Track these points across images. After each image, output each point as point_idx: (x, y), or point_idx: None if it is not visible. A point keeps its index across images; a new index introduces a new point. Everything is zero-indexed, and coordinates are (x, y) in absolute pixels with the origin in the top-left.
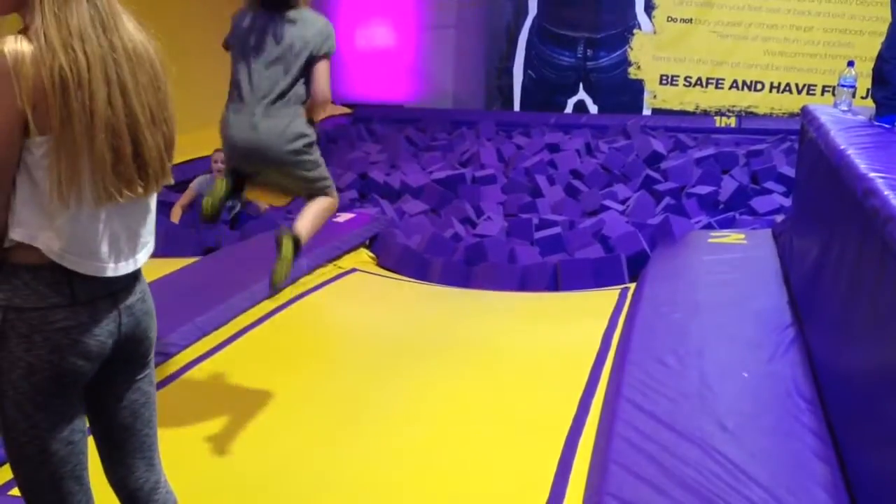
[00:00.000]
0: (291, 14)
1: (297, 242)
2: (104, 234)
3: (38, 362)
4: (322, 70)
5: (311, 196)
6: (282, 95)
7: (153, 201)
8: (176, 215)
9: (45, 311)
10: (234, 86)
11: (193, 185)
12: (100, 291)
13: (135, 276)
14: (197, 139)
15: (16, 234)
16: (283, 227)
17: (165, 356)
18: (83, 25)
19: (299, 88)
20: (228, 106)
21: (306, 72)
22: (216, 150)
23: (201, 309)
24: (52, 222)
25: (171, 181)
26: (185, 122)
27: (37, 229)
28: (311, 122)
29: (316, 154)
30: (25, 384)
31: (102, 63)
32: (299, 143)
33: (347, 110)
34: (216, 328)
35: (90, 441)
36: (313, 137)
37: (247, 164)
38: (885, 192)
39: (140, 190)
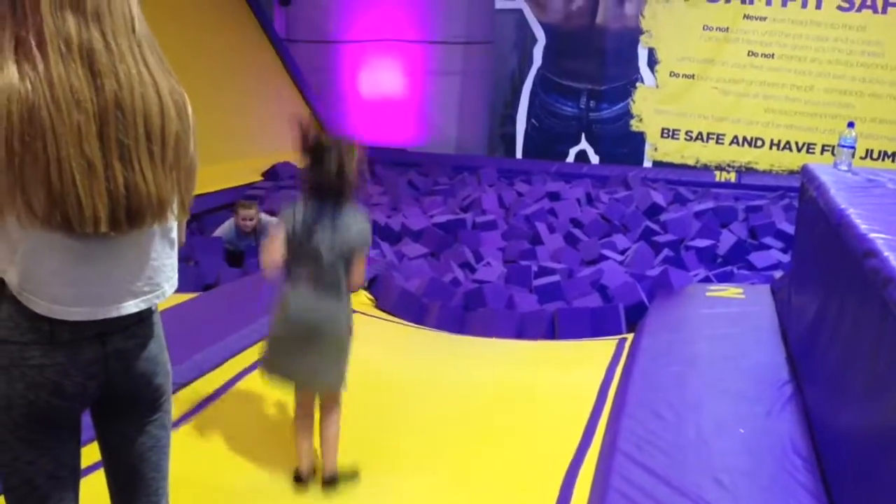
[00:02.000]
0: (343, 209)
1: (336, 478)
2: (64, 275)
3: (16, 396)
4: (360, 262)
5: (328, 396)
6: (335, 282)
7: (145, 247)
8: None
9: (23, 346)
10: (291, 271)
11: (216, 234)
12: (85, 333)
13: (136, 320)
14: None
15: None
16: (327, 484)
17: None
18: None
19: (345, 275)
20: (287, 289)
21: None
22: (241, 206)
23: (199, 346)
24: (13, 256)
25: (146, 229)
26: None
27: (6, 263)
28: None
29: (351, 338)
30: (5, 416)
31: (27, 101)
32: (348, 326)
33: None
34: (213, 368)
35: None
36: (352, 321)
37: (297, 343)
38: (886, 254)
39: (98, 228)
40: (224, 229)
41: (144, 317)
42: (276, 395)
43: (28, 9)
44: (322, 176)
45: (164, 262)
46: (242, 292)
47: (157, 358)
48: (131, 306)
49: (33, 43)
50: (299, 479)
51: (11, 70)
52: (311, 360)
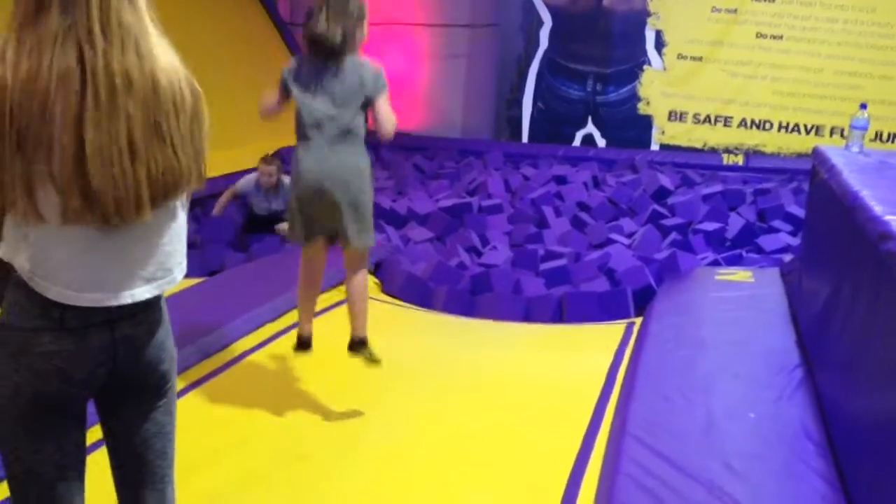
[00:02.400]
0: (343, 62)
1: (365, 343)
2: (76, 260)
3: (23, 384)
4: (381, 107)
5: (354, 254)
6: (347, 132)
7: (155, 233)
8: (219, 209)
9: (31, 333)
10: (303, 126)
11: (238, 185)
12: (94, 319)
13: (144, 306)
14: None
15: (0, 251)
16: (355, 347)
17: None
18: (43, 39)
19: (359, 125)
20: (298, 146)
21: (364, 110)
22: (262, 161)
23: (202, 331)
24: (25, 242)
25: (146, 218)
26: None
27: (14, 248)
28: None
29: (372, 187)
30: (11, 404)
31: (47, 81)
32: (364, 173)
33: None
34: (217, 351)
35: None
36: (370, 170)
37: (320, 200)
38: None
39: (115, 220)
40: (245, 182)
41: (152, 302)
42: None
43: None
44: (315, 28)
45: (176, 247)
46: (248, 278)
47: (164, 344)
48: (144, 292)
49: (83, 31)
50: (301, 345)
51: (69, 53)
52: (331, 216)
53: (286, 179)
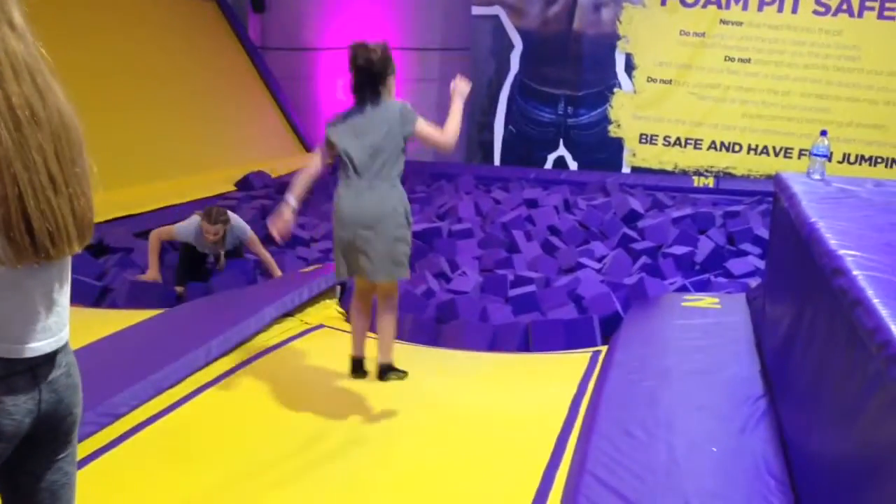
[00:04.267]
0: (377, 104)
1: (391, 369)
2: (9, 310)
3: None
4: (423, 133)
5: (383, 288)
6: (384, 172)
7: (66, 276)
8: (155, 256)
9: None
10: (344, 168)
11: (178, 233)
12: (18, 366)
13: (62, 348)
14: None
15: None
16: (382, 374)
17: (114, 417)
18: None
19: (395, 165)
20: (340, 185)
21: (403, 149)
22: (205, 219)
23: (155, 365)
24: None
25: (74, 252)
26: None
27: None
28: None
29: (410, 224)
30: None
31: None
32: (399, 211)
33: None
34: (171, 386)
35: None
36: (409, 207)
37: (354, 235)
38: (854, 273)
39: (44, 255)
40: (185, 232)
41: (66, 343)
42: (230, 418)
43: None
44: (355, 73)
45: (65, 299)
46: (205, 310)
47: (78, 387)
48: (65, 335)
49: None
50: (356, 368)
51: None
52: (365, 252)
53: (236, 221)
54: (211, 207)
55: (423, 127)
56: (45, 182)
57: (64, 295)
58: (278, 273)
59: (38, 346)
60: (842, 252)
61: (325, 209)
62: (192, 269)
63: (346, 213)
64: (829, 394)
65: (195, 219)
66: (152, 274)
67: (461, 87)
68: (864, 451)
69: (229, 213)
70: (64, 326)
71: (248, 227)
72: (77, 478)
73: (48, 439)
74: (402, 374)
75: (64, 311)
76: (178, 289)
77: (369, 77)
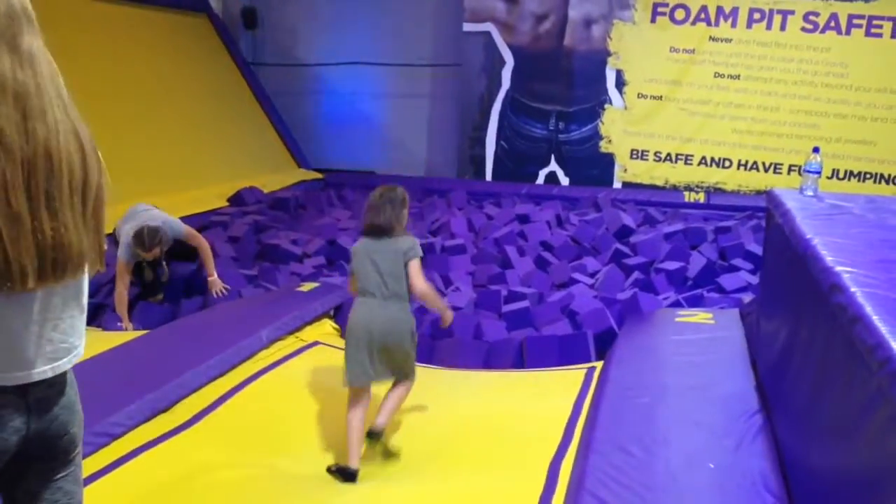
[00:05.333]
0: (392, 239)
1: (380, 435)
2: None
3: None
4: (414, 270)
5: (402, 377)
6: (395, 293)
7: (71, 301)
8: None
9: None
10: (362, 290)
11: (127, 259)
12: (7, 386)
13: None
14: None
15: None
16: (372, 436)
17: (110, 437)
18: None
19: (405, 287)
20: (356, 301)
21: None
22: (139, 248)
23: (151, 386)
24: None
25: (68, 281)
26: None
27: None
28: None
29: (415, 339)
30: None
31: None
32: (407, 326)
33: (318, 176)
34: (167, 407)
35: None
36: (414, 325)
37: (370, 345)
38: (852, 289)
39: (26, 285)
40: (126, 250)
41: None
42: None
43: None
44: (375, 220)
45: (75, 324)
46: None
47: (74, 406)
48: (64, 365)
49: None
50: (347, 476)
51: None
52: (383, 362)
53: (166, 226)
54: (141, 230)
55: (416, 265)
56: (5, 214)
57: (71, 322)
58: (214, 272)
59: (29, 375)
60: (839, 269)
61: (318, 224)
62: (145, 282)
63: (361, 326)
64: (827, 410)
65: (128, 239)
66: (126, 324)
67: (446, 317)
68: (864, 468)
69: (160, 225)
70: (67, 353)
71: (181, 224)
72: (83, 497)
73: (44, 458)
74: (390, 452)
75: (67, 337)
76: (157, 298)
77: (388, 225)
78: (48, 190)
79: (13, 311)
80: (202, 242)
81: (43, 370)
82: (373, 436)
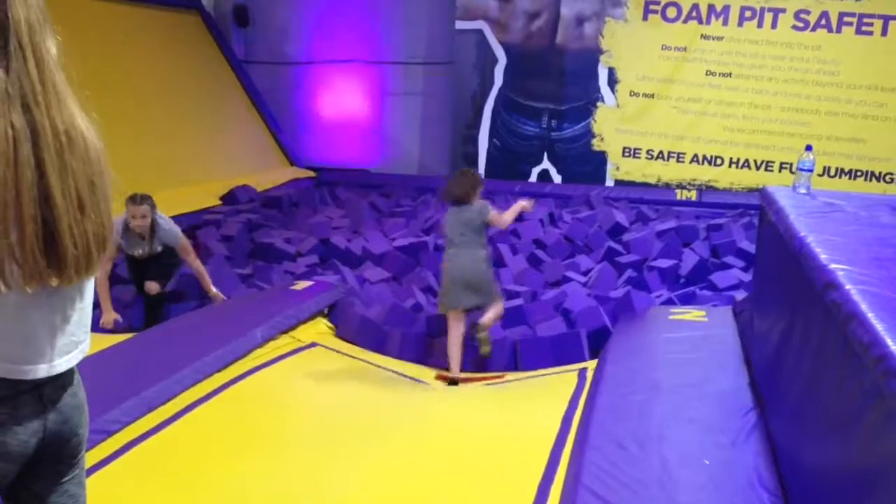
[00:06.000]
0: (468, 205)
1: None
2: (14, 331)
3: None
4: (493, 217)
5: (489, 301)
6: (473, 242)
7: (82, 295)
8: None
9: None
10: (450, 242)
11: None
12: (23, 386)
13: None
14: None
15: None
16: (475, 330)
17: (107, 434)
18: None
19: (480, 238)
20: (448, 253)
21: (485, 229)
22: (129, 201)
23: (147, 382)
24: None
25: (95, 274)
26: None
27: None
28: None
29: (491, 274)
30: None
31: (5, 141)
32: (483, 264)
33: (311, 174)
34: (163, 403)
35: None
36: (490, 264)
37: (457, 284)
38: (847, 287)
39: (54, 281)
40: (116, 229)
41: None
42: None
43: None
44: (453, 192)
45: (83, 316)
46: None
47: (83, 407)
48: (74, 358)
49: (28, 91)
50: (454, 383)
51: (17, 112)
52: (469, 293)
53: (162, 221)
54: (134, 193)
55: (496, 214)
56: (75, 205)
57: (80, 315)
58: (212, 288)
59: (47, 368)
60: (833, 266)
61: (311, 222)
62: (137, 275)
63: (452, 268)
64: (822, 406)
65: (120, 217)
66: (107, 317)
67: (525, 205)
68: (859, 464)
69: (159, 213)
70: (76, 346)
71: (179, 234)
72: (86, 499)
73: (53, 461)
74: (486, 342)
75: (79, 332)
76: (152, 286)
77: (462, 195)
78: (92, 180)
79: (31, 301)
80: (195, 263)
81: (58, 363)
82: (476, 328)
